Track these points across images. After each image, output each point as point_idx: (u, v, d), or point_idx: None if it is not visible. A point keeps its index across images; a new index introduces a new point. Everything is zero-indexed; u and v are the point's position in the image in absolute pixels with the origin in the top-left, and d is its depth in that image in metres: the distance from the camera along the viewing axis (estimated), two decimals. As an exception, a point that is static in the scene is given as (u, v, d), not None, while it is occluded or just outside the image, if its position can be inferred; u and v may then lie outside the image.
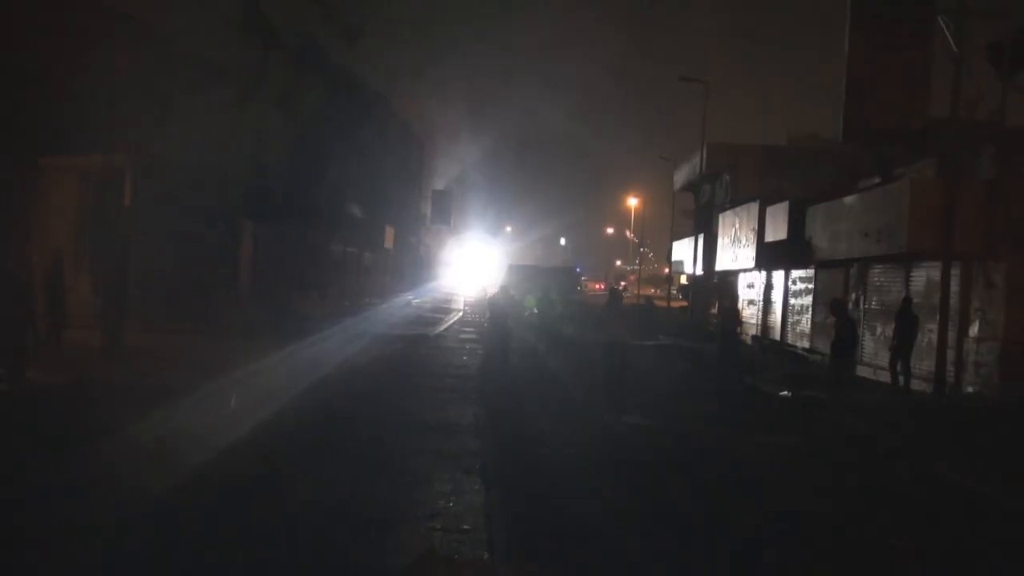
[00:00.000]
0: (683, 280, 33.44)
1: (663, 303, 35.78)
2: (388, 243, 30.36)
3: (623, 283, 33.59)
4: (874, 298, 13.88)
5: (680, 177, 29.54)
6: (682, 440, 7.75)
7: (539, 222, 72.50)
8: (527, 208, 72.90)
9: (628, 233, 59.92)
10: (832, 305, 10.82)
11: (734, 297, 16.48)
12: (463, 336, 17.98)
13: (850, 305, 14.52)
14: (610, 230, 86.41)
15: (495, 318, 10.65)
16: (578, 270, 49.31)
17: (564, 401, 9.73)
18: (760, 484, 6.23)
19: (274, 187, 16.48)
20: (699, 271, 24.94)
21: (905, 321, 11.11)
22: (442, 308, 27.77)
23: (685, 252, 27.87)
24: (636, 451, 7.16)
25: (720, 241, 22.70)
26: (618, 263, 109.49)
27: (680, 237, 30.21)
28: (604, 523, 4.88)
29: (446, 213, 40.36)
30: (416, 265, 37.64)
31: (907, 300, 11.43)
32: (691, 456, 7.12)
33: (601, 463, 6.61)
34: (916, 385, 11.46)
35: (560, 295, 27.27)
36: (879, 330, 13.26)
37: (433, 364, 12.60)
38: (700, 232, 24.88)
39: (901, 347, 11.12)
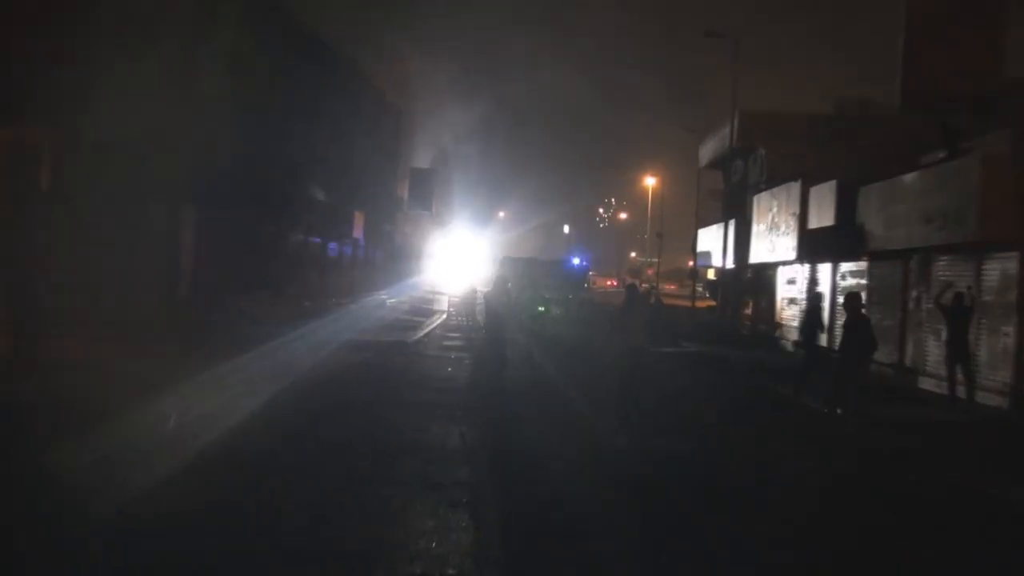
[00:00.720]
0: (710, 275, 33.50)
1: (684, 302, 35.85)
2: (357, 232, 30.34)
3: (644, 283, 33.56)
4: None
5: (706, 152, 29.59)
6: (710, 467, 7.74)
7: (538, 207, 72.66)
8: (524, 191, 73.05)
9: (657, 232, 60.15)
10: (846, 299, 10.42)
11: (816, 293, 16.40)
12: (448, 343, 17.99)
13: (910, 304, 14.56)
14: (624, 215, 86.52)
15: (491, 320, 10.62)
16: (585, 264, 49.36)
17: (569, 420, 9.73)
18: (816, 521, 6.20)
19: (221, 166, 16.40)
20: (729, 264, 24.98)
21: (958, 318, 11.16)
22: (423, 309, 27.77)
23: (713, 242, 27.91)
24: (657, 481, 7.13)
25: (755, 228, 22.73)
26: (633, 255, 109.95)
27: (707, 224, 30.26)
28: (617, 571, 4.84)
29: (427, 196, 40.37)
30: (391, 258, 37.61)
31: (959, 294, 11.52)
32: (723, 485, 7.10)
33: (614, 496, 6.57)
34: (988, 399, 11.48)
35: (564, 294, 27.44)
36: (944, 334, 13.30)
37: (412, 376, 12.62)
38: (731, 218, 24.93)
39: (956, 350, 11.15)
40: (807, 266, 19.63)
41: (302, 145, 21.63)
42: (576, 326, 22.85)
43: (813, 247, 18.23)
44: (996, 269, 12.26)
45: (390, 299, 30.82)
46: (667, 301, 31.15)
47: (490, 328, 10.63)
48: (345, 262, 29.82)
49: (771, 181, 22.09)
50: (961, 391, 11.36)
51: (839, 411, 10.30)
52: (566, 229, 73.25)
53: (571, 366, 14.52)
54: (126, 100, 12.22)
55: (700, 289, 38.39)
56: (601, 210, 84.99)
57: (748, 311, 25.14)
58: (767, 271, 22.91)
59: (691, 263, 34.27)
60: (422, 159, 41.81)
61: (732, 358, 17.47)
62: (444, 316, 24.45)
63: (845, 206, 16.40)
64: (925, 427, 10.39)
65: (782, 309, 21.41)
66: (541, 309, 28.17)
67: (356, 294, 29.75)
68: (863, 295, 15.02)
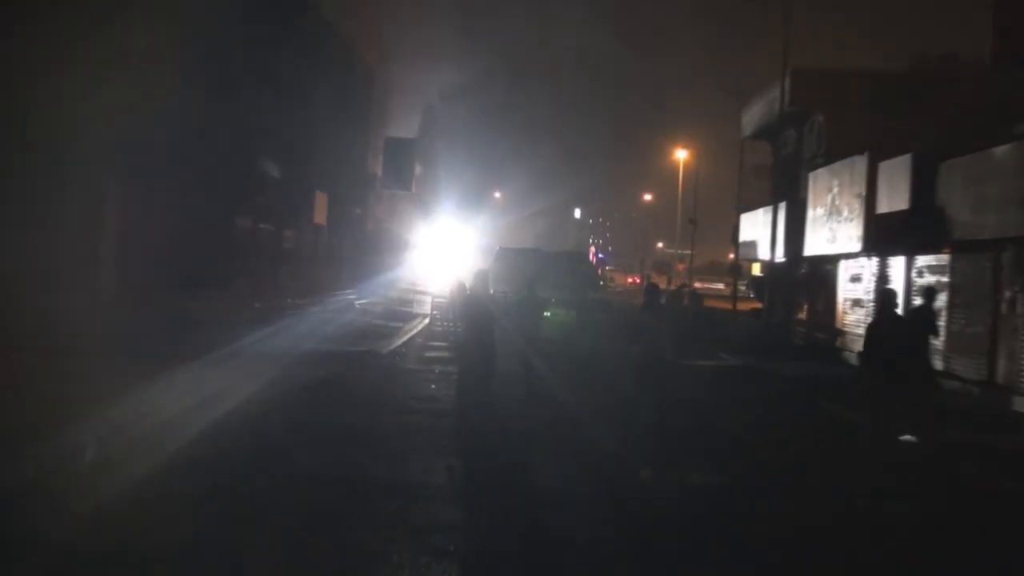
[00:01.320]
0: (755, 270, 33.47)
1: (723, 304, 35.85)
2: (319, 217, 30.28)
3: (688, 283, 33.54)
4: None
5: (751, 119, 29.61)
6: (759, 506, 7.72)
7: (544, 187, 72.76)
8: (527, 167, 73.12)
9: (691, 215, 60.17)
10: (880, 294, 10.76)
11: (886, 290, 16.38)
12: (431, 354, 18.01)
13: (1003, 306, 14.52)
14: (648, 197, 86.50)
15: (473, 323, 10.56)
16: (600, 257, 49.44)
17: (580, 448, 9.74)
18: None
19: (151, 134, 16.34)
20: (779, 257, 24.98)
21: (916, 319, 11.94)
22: (400, 312, 27.77)
23: (758, 230, 27.91)
24: (691, 524, 7.10)
25: (810, 213, 22.73)
26: (659, 245, 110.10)
27: (751, 208, 30.27)
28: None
29: (406, 172, 40.34)
30: (361, 249, 37.59)
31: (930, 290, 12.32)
32: (771, 532, 7.07)
33: (638, 544, 6.56)
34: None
35: (575, 293, 27.42)
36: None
37: (387, 396, 12.63)
38: (780, 200, 24.93)
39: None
40: (875, 259, 19.60)
41: (252, 110, 21.52)
42: (589, 333, 22.86)
43: (883, 236, 18.21)
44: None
45: (360, 300, 30.77)
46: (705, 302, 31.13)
47: (472, 335, 10.56)
48: (304, 254, 29.78)
49: (831, 155, 22.09)
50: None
51: (900, 434, 10.36)
52: (577, 214, 73.38)
53: (582, 382, 14.52)
54: (29, 53, 12.14)
55: (743, 288, 38.41)
56: (649, 196, 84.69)
57: (802, 315, 25.13)
58: (825, 266, 22.90)
59: (732, 256, 34.28)
60: (401, 128, 41.76)
61: (783, 373, 17.46)
62: (427, 321, 24.42)
63: (922, 186, 16.38)
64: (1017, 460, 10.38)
65: (844, 313, 21.40)
66: (547, 314, 28.19)
67: (318, 293, 29.69)
68: (941, 295, 14.95)
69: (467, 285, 11.66)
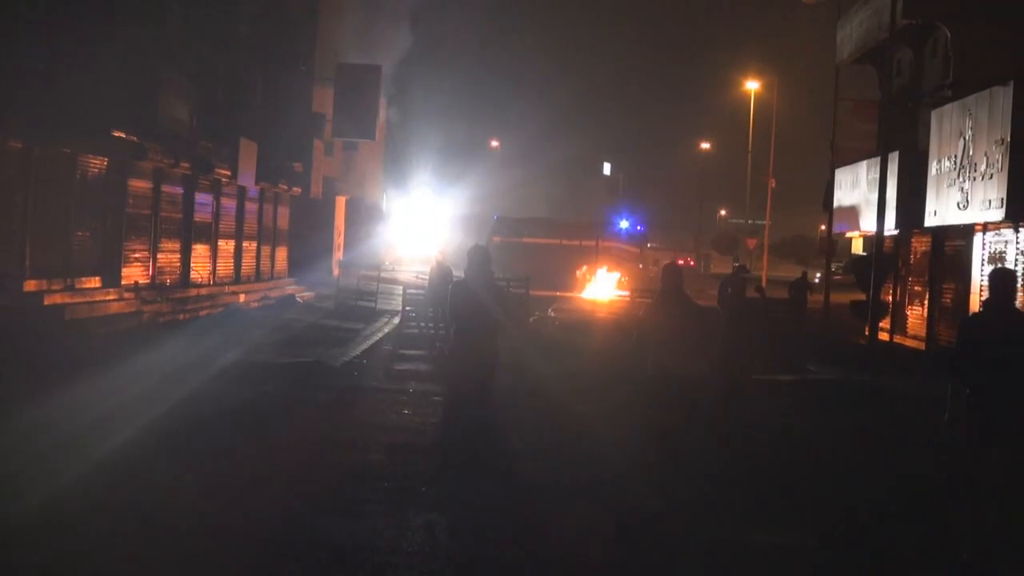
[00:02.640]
0: (856, 247, 33.38)
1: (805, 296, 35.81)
2: (245, 176, 30.17)
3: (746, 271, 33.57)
4: None
5: (851, 36, 29.52)
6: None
7: (559, 134, 72.57)
8: (537, 107, 72.81)
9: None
10: (993, 278, 8.71)
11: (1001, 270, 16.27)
12: (403, 366, 18.02)
13: None
14: (706, 145, 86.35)
15: (467, 325, 10.43)
16: (640, 229, 49.43)
17: (620, 494, 9.74)
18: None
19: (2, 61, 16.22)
20: (889, 227, 24.89)
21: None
22: (360, 309, 27.73)
23: (860, 190, 27.81)
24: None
25: (933, 167, 22.63)
26: (722, 213, 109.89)
27: (849, 160, 30.21)
28: None
29: (367, 114, 40.18)
30: (305, 219, 37.53)
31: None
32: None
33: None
34: None
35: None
36: None
37: (342, 425, 12.66)
38: (891, 149, 24.82)
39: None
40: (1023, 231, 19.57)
41: (147, 26, 21.43)
42: (620, 335, 22.84)
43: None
44: None
45: (304, 291, 30.72)
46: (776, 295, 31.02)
47: (464, 344, 10.40)
48: (223, 226, 29.75)
49: (961, 86, 21.95)
50: None
51: None
52: (607, 170, 73.29)
53: (607, 404, 14.47)
54: None
55: (839, 273, 38.42)
56: (707, 145, 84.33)
57: (922, 309, 25.06)
58: (955, 240, 22.82)
59: (823, 228, 34.19)
60: (361, 51, 41.59)
61: (896, 391, 17.41)
62: (396, 320, 24.39)
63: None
64: None
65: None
66: (552, 313, 28.34)
67: (244, 281, 29.65)
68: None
69: (453, 269, 11.55)
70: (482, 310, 10.29)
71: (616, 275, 40.42)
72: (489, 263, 10.48)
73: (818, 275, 59.35)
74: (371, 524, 8.36)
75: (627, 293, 35.85)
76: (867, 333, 24.53)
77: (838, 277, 38.62)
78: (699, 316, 10.68)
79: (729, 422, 12.24)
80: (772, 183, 51.91)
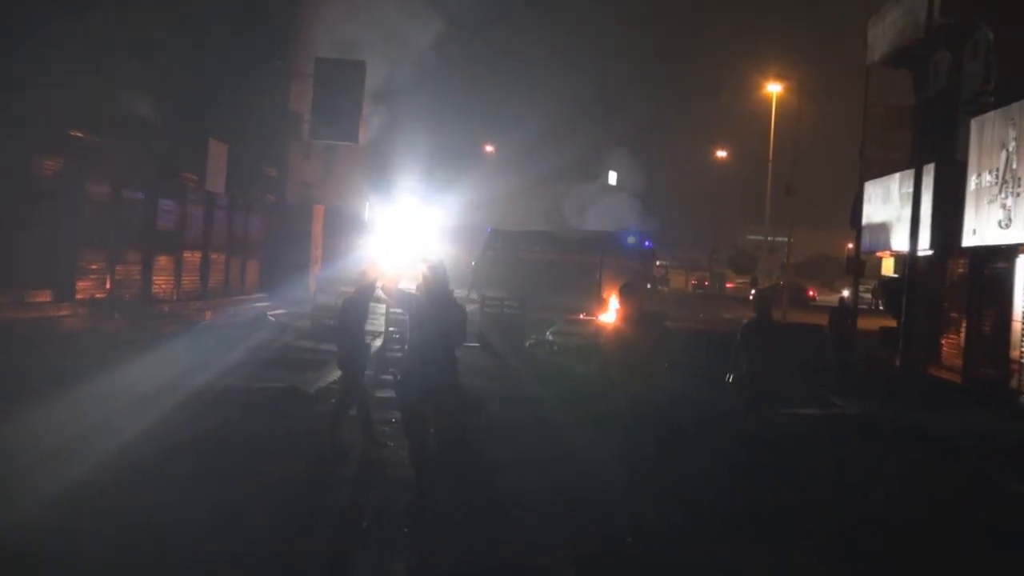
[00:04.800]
0: (886, 268, 33.39)
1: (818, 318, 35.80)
2: (214, 181, 30.14)
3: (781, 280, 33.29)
4: None
5: (883, 35, 29.55)
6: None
7: (560, 139, 72.65)
8: (536, 109, 72.95)
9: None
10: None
11: None
12: (385, 393, 17.96)
13: None
14: (722, 153, 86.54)
15: (417, 354, 10.54)
16: (648, 245, 49.33)
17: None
18: None
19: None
20: (923, 247, 24.91)
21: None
22: (334, 333, 27.61)
23: (891, 206, 27.82)
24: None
25: (972, 181, 22.62)
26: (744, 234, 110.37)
27: (880, 172, 30.23)
28: None
29: (348, 114, 40.11)
30: (279, 229, 37.44)
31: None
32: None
33: None
34: None
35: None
36: None
37: (317, 458, 12.67)
38: (926, 160, 24.86)
39: None
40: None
41: (108, 15, 21.43)
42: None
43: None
44: None
45: (276, 309, 30.62)
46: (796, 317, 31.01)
47: (411, 363, 10.50)
48: (189, 236, 29.70)
49: (1005, 91, 21.97)
50: None
51: None
52: (613, 179, 73.21)
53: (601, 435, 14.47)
54: None
55: (868, 295, 38.42)
56: (723, 153, 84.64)
57: (959, 338, 25.03)
58: (996, 263, 22.80)
59: (850, 246, 34.17)
60: (342, 46, 41.54)
61: (930, 429, 17.39)
62: (379, 341, 24.34)
63: None
64: None
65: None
66: (550, 337, 28.28)
67: (212, 296, 29.56)
68: None
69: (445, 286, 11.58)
70: (432, 326, 10.47)
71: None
72: (447, 280, 10.70)
73: (845, 292, 59.49)
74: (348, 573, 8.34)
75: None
76: (897, 364, 24.52)
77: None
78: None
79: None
80: (792, 194, 51.79)
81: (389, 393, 18.03)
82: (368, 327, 15.88)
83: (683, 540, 9.80)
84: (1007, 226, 20.90)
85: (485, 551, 9.17)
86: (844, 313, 28.89)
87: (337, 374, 20.12)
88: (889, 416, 18.57)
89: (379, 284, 12.66)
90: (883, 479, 13.64)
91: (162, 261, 26.99)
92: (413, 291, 11.00)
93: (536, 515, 10.53)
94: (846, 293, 45.95)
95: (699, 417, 16.26)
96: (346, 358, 13.88)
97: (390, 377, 15.44)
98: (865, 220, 30.73)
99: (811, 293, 66.99)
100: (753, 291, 67.28)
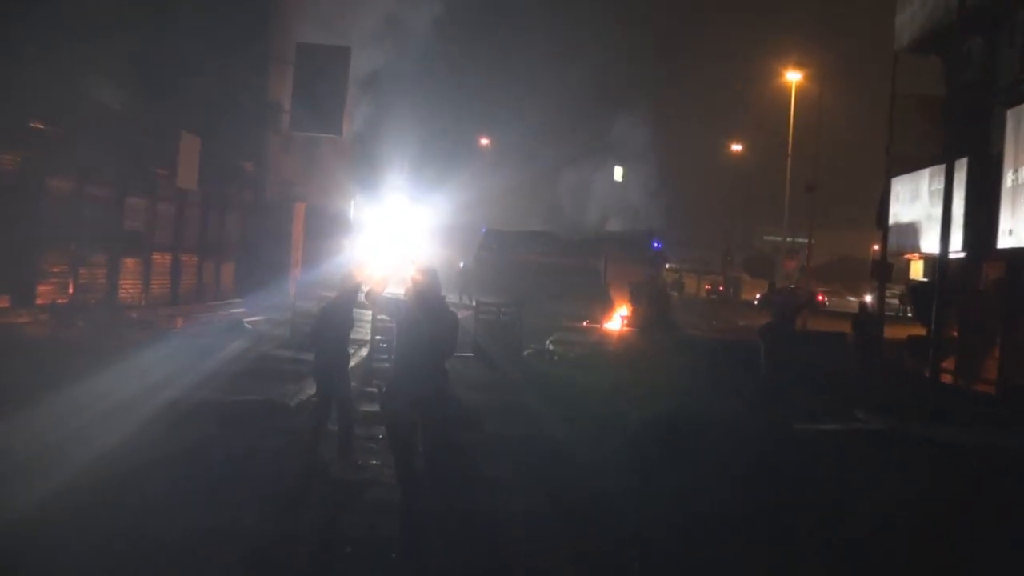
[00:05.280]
0: (915, 271, 33.42)
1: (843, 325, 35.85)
2: (186, 176, 30.12)
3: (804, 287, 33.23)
4: None
5: (911, 20, 29.60)
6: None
7: (562, 132, 72.60)
8: (536, 100, 72.89)
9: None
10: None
11: None
12: (371, 407, 17.91)
13: None
14: (737, 147, 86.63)
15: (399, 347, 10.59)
16: (656, 246, 49.32)
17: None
18: None
19: None
20: (955, 248, 24.93)
21: None
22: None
23: (920, 204, 27.84)
24: None
25: (1008, 176, 22.66)
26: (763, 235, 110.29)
27: (908, 168, 30.24)
28: None
29: (331, 104, 40.10)
30: (257, 229, 37.41)
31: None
32: None
33: None
34: None
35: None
36: None
37: (298, 477, 12.68)
38: (958, 155, 24.87)
39: None
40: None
41: (76, 2, 21.45)
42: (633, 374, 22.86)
43: None
44: None
45: (253, 315, 30.58)
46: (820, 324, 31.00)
47: (399, 372, 10.55)
48: (160, 236, 29.70)
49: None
50: None
51: None
52: (618, 174, 73.28)
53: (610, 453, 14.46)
54: None
55: (895, 300, 38.43)
56: (738, 147, 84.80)
57: (993, 346, 25.04)
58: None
59: (876, 248, 34.19)
60: (326, 30, 41.52)
61: (962, 445, 17.45)
62: (365, 351, 24.33)
63: None
64: None
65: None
66: (550, 346, 28.29)
67: (184, 303, 29.52)
68: None
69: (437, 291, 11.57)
70: (421, 334, 10.48)
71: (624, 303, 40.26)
72: (438, 284, 10.70)
73: (867, 297, 59.40)
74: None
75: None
76: (927, 374, 24.52)
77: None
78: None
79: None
80: (813, 191, 51.87)
81: (375, 407, 18.10)
82: (353, 335, 15.83)
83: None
84: (1046, 227, 20.97)
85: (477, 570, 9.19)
86: (868, 319, 28.92)
87: (313, 388, 20.17)
88: (916, 431, 18.57)
89: (364, 289, 12.66)
90: (907, 503, 13.64)
91: (130, 264, 26.99)
92: (401, 296, 11.02)
93: (537, 541, 10.54)
94: (868, 298, 45.86)
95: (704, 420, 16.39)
96: (323, 369, 13.79)
97: (375, 389, 15.43)
98: (892, 220, 30.73)
99: (820, 298, 66.99)
100: (759, 296, 67.23)
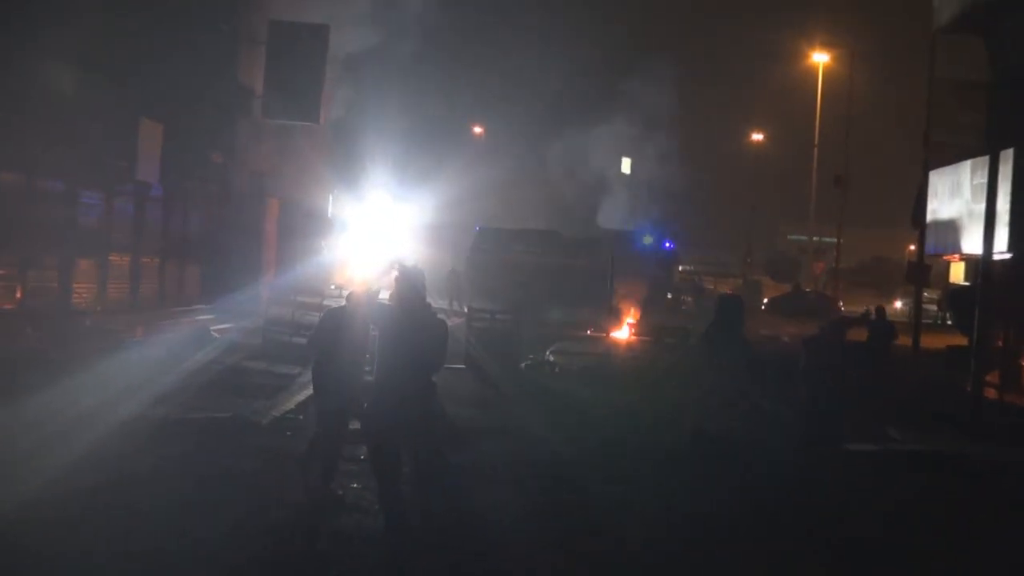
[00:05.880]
0: (955, 274, 33.44)
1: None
2: (147, 168, 30.12)
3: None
4: None
5: (950, -4, 29.57)
6: None
7: (559, 117, 72.70)
8: (531, 85, 73.01)
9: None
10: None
11: None
12: (352, 424, 17.95)
13: None
14: (758, 136, 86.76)
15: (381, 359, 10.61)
16: (668, 246, 49.31)
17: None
18: None
19: None
20: (999, 248, 24.94)
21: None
22: (294, 349, 27.55)
23: (961, 200, 27.86)
24: None
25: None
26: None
27: (947, 160, 30.27)
28: None
29: (308, 88, 40.09)
30: (225, 226, 37.40)
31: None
32: None
33: None
34: None
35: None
36: None
37: (269, 503, 12.74)
38: (1003, 145, 24.90)
39: None
40: None
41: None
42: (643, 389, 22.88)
43: None
44: None
45: (221, 323, 30.55)
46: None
47: (382, 386, 10.56)
48: (117, 236, 29.68)
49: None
50: None
51: None
52: (626, 166, 73.38)
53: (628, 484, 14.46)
54: None
55: (933, 307, 38.44)
56: (759, 136, 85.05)
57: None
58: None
59: (912, 249, 34.18)
60: (297, 7, 41.49)
61: (1009, 466, 17.41)
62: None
63: None
64: None
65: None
66: (551, 357, 28.23)
67: (144, 309, 29.51)
68: None
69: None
70: (405, 344, 10.47)
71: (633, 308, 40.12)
72: (423, 288, 10.69)
73: (897, 303, 59.30)
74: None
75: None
76: (968, 389, 24.54)
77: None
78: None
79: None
80: (842, 185, 51.97)
81: (356, 424, 18.10)
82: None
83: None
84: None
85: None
86: (888, 329, 28.85)
87: (295, 401, 20.15)
88: (957, 452, 18.56)
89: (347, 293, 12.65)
90: (960, 538, 13.63)
91: (84, 266, 26.99)
92: (385, 301, 11.02)
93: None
94: (902, 303, 45.91)
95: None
96: (328, 388, 13.46)
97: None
98: (930, 217, 30.76)
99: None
100: (765, 301, 67.28)
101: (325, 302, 34.37)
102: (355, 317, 13.27)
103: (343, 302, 12.82)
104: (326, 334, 13.49)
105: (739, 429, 10.70)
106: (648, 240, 47.83)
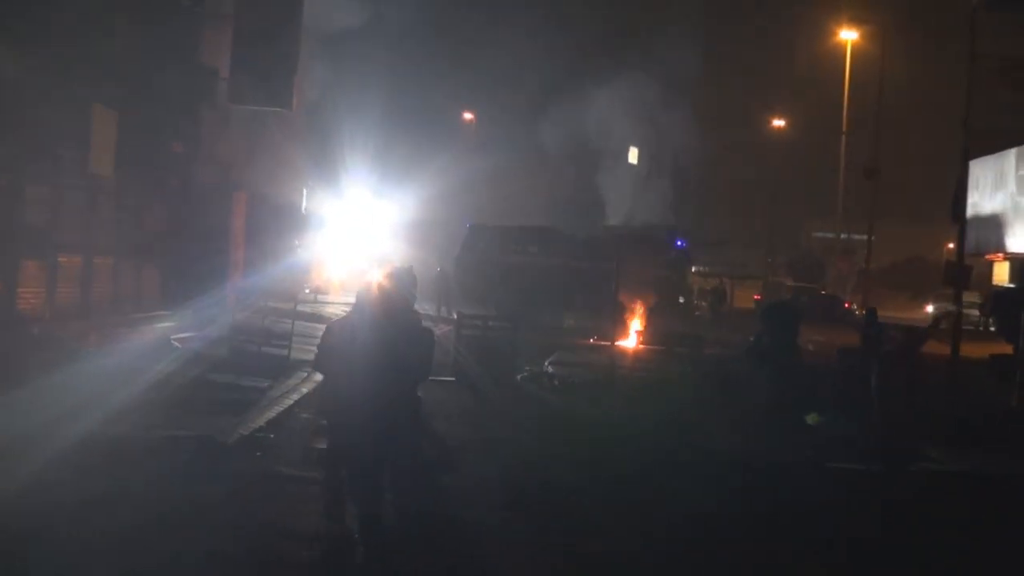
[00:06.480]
0: (1000, 274, 33.49)
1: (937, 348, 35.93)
2: (100, 160, 30.16)
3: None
4: None
5: (991, -34, 29.61)
6: None
7: (559, 101, 72.84)
8: (526, 66, 73.14)
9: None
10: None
11: None
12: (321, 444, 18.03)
13: None
14: (779, 122, 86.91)
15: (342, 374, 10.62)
16: (680, 245, 49.37)
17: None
18: None
19: None
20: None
21: None
22: (264, 360, 27.68)
23: (1004, 193, 27.90)
24: None
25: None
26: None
27: (990, 149, 30.29)
28: None
29: (278, 71, 40.14)
30: (187, 224, 37.44)
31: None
32: None
33: None
34: None
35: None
36: None
37: (239, 531, 12.72)
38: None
39: None
40: None
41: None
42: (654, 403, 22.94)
43: None
44: None
45: (183, 331, 30.60)
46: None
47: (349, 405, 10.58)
48: (67, 234, 29.70)
49: None
50: None
51: None
52: (633, 157, 73.63)
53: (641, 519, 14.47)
54: None
55: (975, 312, 38.38)
56: (780, 122, 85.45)
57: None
58: None
59: (951, 247, 34.23)
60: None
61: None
62: (320, 375, 24.40)
63: None
64: None
65: None
66: (550, 368, 28.26)
67: (97, 316, 29.53)
68: None
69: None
70: (384, 352, 10.45)
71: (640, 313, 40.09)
72: (413, 292, 10.68)
73: (929, 307, 59.26)
74: None
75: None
76: (1014, 402, 24.56)
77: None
78: None
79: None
80: (873, 177, 52.06)
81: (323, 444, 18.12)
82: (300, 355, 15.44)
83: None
84: None
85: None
86: (920, 335, 28.78)
87: (265, 418, 20.16)
88: (1006, 471, 18.59)
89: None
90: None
91: (30, 267, 27.00)
92: (351, 305, 11.03)
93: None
94: (934, 308, 45.82)
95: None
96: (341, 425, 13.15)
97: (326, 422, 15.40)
98: (971, 212, 30.78)
99: (847, 305, 67.25)
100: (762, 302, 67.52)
101: (299, 307, 34.44)
102: (371, 326, 12.39)
103: (349, 305, 12.66)
104: (331, 355, 12.29)
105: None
106: (658, 238, 47.89)
